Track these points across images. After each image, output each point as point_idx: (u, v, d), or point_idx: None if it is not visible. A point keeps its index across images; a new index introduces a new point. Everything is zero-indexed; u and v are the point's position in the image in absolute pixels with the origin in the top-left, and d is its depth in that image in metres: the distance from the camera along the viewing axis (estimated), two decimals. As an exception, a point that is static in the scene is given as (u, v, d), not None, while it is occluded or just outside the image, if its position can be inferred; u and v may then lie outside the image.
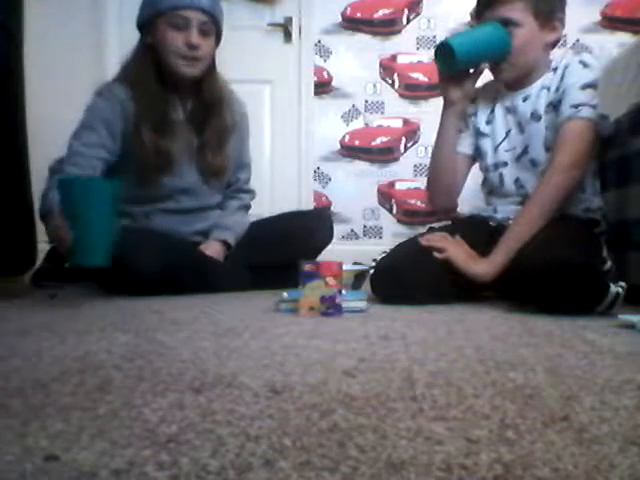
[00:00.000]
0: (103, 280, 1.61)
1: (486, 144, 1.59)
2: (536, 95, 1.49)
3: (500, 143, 1.56)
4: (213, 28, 1.67)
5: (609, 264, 1.35)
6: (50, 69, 2.72)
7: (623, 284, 1.27)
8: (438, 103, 1.63)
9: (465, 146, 1.62)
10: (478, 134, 1.61)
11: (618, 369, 0.73)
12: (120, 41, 2.77)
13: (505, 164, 1.56)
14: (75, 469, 0.39)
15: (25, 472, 0.38)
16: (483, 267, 1.39)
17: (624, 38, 2.82)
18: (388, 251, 1.53)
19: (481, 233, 1.52)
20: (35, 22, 2.36)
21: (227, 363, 0.72)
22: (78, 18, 2.85)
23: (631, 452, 0.44)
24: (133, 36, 1.75)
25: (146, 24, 1.67)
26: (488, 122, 1.59)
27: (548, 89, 1.47)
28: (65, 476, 0.38)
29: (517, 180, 1.54)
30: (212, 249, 1.76)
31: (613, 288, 1.25)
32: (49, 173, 1.70)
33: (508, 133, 1.55)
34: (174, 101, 1.71)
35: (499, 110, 1.57)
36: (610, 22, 2.89)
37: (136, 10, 1.73)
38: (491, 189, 1.63)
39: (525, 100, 1.51)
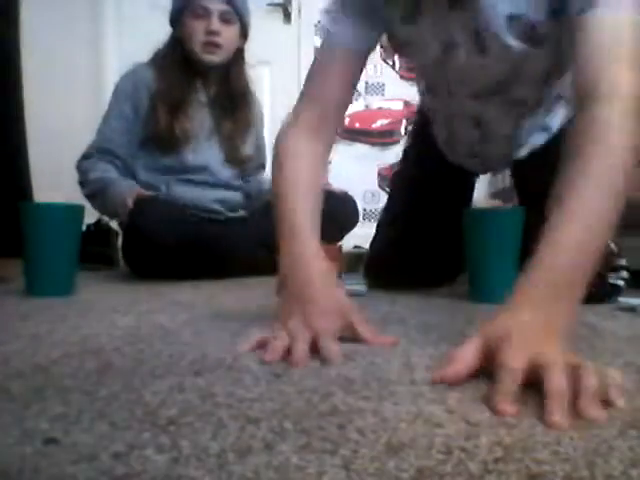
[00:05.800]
0: (125, 254, 1.65)
1: None
2: None
3: None
4: (235, 17, 1.82)
5: (615, 250, 1.21)
6: (49, 68, 2.69)
7: (625, 275, 1.22)
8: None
9: None
10: None
11: (618, 352, 0.73)
12: (119, 41, 2.72)
13: None
14: (75, 452, 0.39)
15: (25, 455, 0.38)
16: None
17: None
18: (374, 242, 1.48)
19: None
20: (34, 21, 2.36)
21: (227, 346, 0.73)
22: (77, 17, 2.82)
23: (630, 435, 0.44)
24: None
25: (175, 19, 1.84)
26: None
27: None
28: (65, 459, 0.38)
29: None
30: None
31: (622, 285, 1.20)
32: (82, 157, 1.78)
33: None
34: (197, 86, 1.84)
35: None
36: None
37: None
38: None
39: None
